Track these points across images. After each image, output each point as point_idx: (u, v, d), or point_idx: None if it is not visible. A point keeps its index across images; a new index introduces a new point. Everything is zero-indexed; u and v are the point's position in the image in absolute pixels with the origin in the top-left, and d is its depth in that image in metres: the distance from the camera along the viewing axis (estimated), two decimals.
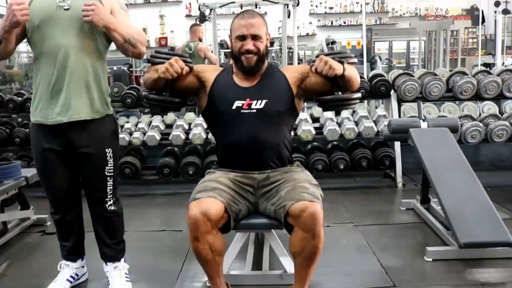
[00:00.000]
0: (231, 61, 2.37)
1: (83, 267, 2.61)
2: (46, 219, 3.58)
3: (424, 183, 3.48)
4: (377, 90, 4.39)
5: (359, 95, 2.29)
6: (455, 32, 9.46)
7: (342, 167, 4.29)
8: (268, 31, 2.25)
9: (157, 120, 4.77)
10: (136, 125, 4.73)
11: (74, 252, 2.54)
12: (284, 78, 2.25)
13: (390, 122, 3.49)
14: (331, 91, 2.22)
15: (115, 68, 8.01)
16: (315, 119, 4.77)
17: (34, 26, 2.18)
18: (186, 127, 4.69)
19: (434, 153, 3.19)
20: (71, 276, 2.53)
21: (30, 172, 3.35)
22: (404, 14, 11.47)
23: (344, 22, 11.67)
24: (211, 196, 2.02)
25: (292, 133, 4.32)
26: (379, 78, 4.45)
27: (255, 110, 2.18)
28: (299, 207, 1.94)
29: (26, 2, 2.12)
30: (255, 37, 2.16)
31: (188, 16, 11.37)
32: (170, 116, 5.02)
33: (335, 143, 4.60)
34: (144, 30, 11.42)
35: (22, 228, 3.43)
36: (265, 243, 2.80)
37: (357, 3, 11.62)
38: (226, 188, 2.11)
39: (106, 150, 2.36)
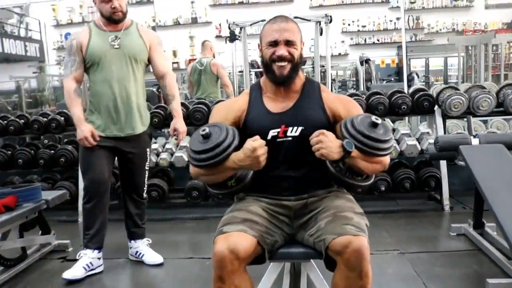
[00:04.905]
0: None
1: (99, 259, 2.97)
2: (67, 244, 3.41)
3: (477, 206, 3.14)
4: (419, 105, 4.09)
5: (368, 183, 1.91)
6: (495, 47, 9.06)
7: (383, 188, 3.97)
8: (302, 39, 1.99)
9: (185, 141, 4.58)
10: (164, 146, 4.55)
11: (94, 240, 2.93)
12: (322, 107, 1.97)
13: (437, 138, 3.18)
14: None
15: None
16: None
17: (95, 61, 2.81)
18: None
19: (489, 172, 2.85)
20: (86, 264, 2.90)
21: (51, 195, 3.18)
22: (440, 30, 11.12)
23: (378, 40, 11.40)
24: (241, 230, 1.75)
25: None
26: (422, 92, 4.15)
27: (291, 138, 1.92)
28: (341, 242, 1.66)
29: (85, 43, 2.80)
30: (288, 43, 1.89)
31: (218, 36, 11.32)
32: None
33: None
34: (174, 52, 11.46)
35: (42, 254, 3.26)
36: (302, 273, 2.51)
37: (391, 21, 11.36)
38: (258, 219, 1.84)
39: (147, 149, 3.07)
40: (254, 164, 1.77)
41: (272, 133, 1.92)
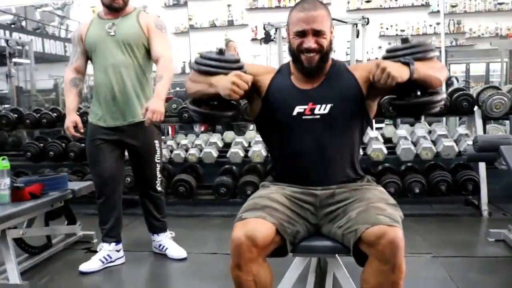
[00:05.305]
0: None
1: (118, 251, 2.95)
2: (93, 235, 3.39)
3: None
4: (458, 105, 3.90)
5: (442, 96, 1.82)
6: None
7: (417, 191, 3.81)
8: (332, 24, 1.88)
9: (215, 137, 4.54)
10: (193, 142, 4.52)
11: (110, 234, 2.92)
12: (352, 77, 1.88)
13: (476, 138, 3.01)
14: (407, 90, 1.79)
15: (178, 88, 8.14)
16: (387, 140, 4.33)
17: (93, 49, 2.79)
18: (246, 144, 4.41)
19: None
20: (104, 257, 2.89)
21: (78, 185, 3.17)
22: (483, 34, 10.75)
23: None
24: (260, 216, 1.66)
25: (361, 152, 3.94)
26: (460, 92, 3.97)
27: (318, 116, 1.82)
28: (375, 232, 1.55)
29: (84, 33, 2.79)
30: (317, 33, 1.79)
31: (253, 39, 11.29)
32: (230, 134, 4.77)
33: (409, 164, 4.14)
34: None
35: (67, 244, 3.25)
36: (328, 271, 2.40)
37: (430, 25, 11.08)
38: (279, 207, 1.75)
39: (155, 141, 2.92)
40: (225, 86, 1.72)
41: (298, 109, 1.83)
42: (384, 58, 1.78)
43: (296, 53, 1.84)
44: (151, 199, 3.00)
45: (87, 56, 2.85)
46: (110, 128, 2.81)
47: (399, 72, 1.64)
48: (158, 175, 2.97)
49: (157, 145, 2.93)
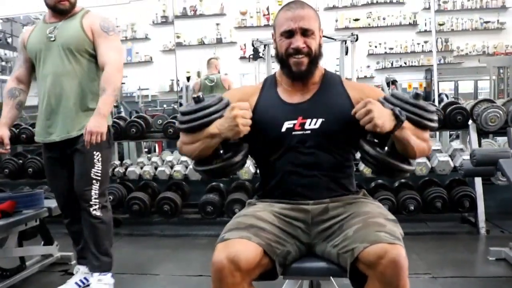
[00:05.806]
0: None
1: None
2: (71, 257, 3.19)
3: None
4: (452, 119, 3.80)
5: (411, 168, 1.66)
6: None
7: (412, 208, 3.67)
8: (321, 27, 1.76)
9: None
10: (179, 159, 4.36)
11: (84, 255, 2.68)
12: (346, 95, 1.75)
13: (474, 151, 2.89)
14: (382, 141, 1.63)
15: (165, 106, 8.10)
16: None
17: (33, 56, 2.52)
18: None
19: None
20: (80, 280, 2.67)
21: (55, 203, 2.96)
22: (470, 52, 10.77)
23: (405, 63, 11.10)
24: (244, 236, 1.50)
25: (354, 168, 3.80)
26: (455, 105, 3.87)
27: (309, 131, 1.68)
28: (375, 251, 1.40)
29: (26, 39, 2.53)
30: (305, 32, 1.67)
31: (242, 58, 11.22)
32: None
33: (403, 180, 4.01)
34: (198, 73, 11.40)
35: (43, 266, 3.04)
36: None
37: (418, 44, 11.10)
38: (267, 226, 1.59)
39: (95, 153, 2.48)
40: (231, 125, 1.57)
41: (287, 124, 1.69)
42: (384, 98, 1.63)
43: (284, 57, 1.71)
44: (86, 224, 2.53)
45: (31, 64, 2.58)
46: (47, 144, 2.54)
47: (383, 122, 1.50)
48: (95, 195, 2.49)
49: (96, 157, 2.49)
